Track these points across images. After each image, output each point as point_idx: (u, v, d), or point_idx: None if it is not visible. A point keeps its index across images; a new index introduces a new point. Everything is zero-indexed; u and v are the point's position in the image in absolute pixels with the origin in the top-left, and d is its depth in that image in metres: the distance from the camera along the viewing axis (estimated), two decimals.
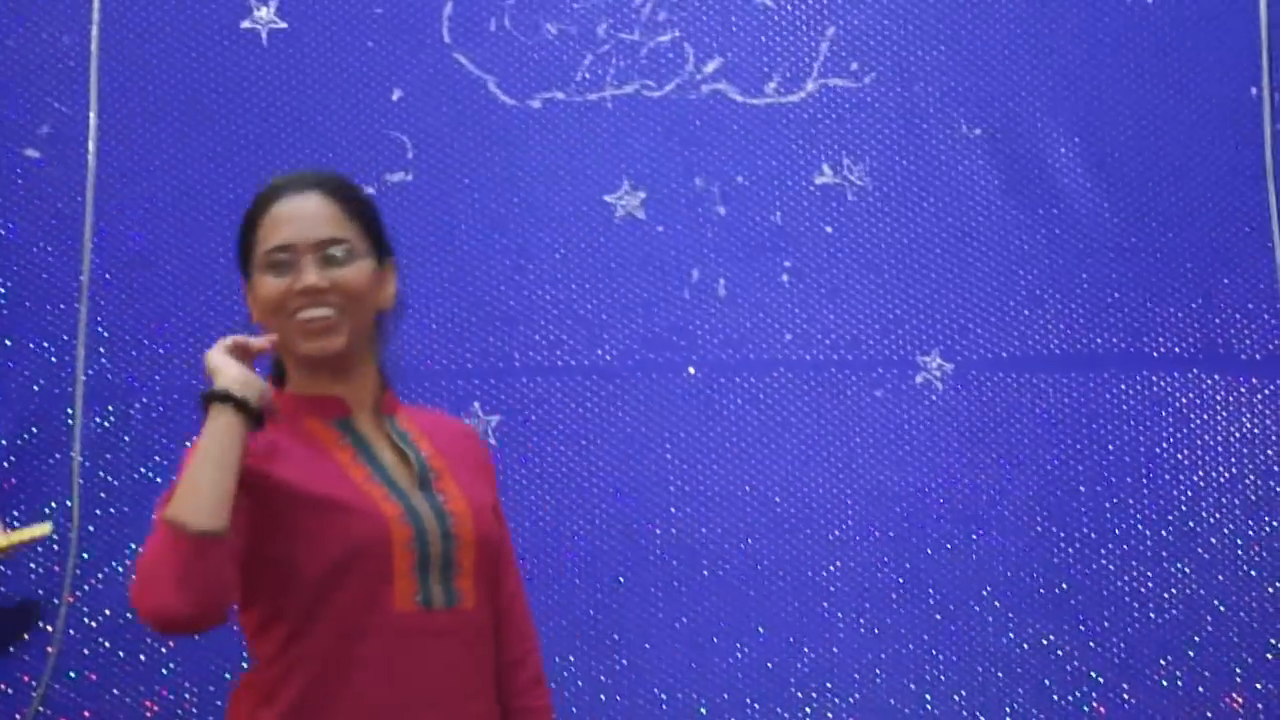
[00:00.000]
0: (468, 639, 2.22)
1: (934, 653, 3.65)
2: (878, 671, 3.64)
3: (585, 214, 3.83)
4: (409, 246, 3.64)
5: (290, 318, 2.17)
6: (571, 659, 3.68)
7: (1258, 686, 3.61)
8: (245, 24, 3.81)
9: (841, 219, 3.77)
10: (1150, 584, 3.66)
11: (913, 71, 3.87)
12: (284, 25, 3.77)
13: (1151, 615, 3.66)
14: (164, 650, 3.61)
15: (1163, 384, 3.81)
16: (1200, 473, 3.76)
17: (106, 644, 3.61)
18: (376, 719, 2.16)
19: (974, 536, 3.70)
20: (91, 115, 3.71)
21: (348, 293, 2.16)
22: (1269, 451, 3.71)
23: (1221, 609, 3.62)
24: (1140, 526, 3.68)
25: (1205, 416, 3.79)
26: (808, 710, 3.63)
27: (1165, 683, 3.63)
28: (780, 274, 3.79)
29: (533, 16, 3.83)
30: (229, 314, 3.77)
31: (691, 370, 3.73)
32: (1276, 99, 3.72)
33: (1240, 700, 3.58)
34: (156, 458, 3.70)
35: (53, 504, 3.76)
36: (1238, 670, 3.61)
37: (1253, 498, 3.66)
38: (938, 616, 3.66)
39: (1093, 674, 3.64)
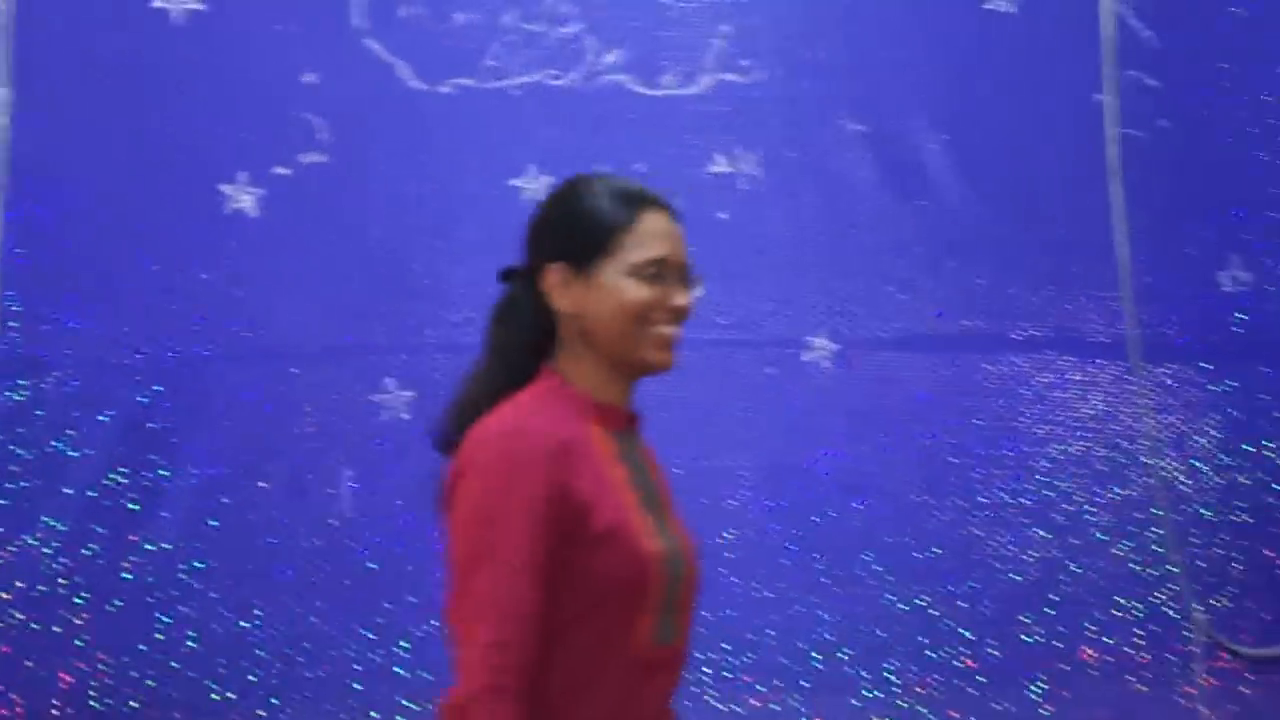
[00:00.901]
0: (676, 669, 2.25)
1: (820, 614, 3.85)
2: (769, 632, 3.83)
3: (494, 196, 3.92)
4: (323, 226, 3.81)
5: (648, 327, 2.17)
6: None
7: (1106, 640, 3.91)
8: (159, 3, 3.83)
9: (734, 206, 3.95)
10: (1012, 548, 3.91)
11: (800, 70, 4.07)
12: (200, 7, 3.80)
13: (1013, 576, 3.92)
14: (78, 622, 3.59)
15: (1022, 365, 4.07)
16: (1055, 446, 4.04)
17: (19, 616, 3.58)
18: None
19: (857, 505, 3.91)
20: (4, 90, 3.68)
21: (688, 316, 2.21)
22: (1114, 426, 4.01)
23: (1075, 569, 3.91)
24: (1003, 495, 3.95)
25: (1059, 395, 4.07)
26: (705, 671, 3.81)
27: (1026, 637, 3.89)
28: None
29: (442, 5, 3.92)
30: (140, 289, 3.82)
31: None
32: (1118, 104, 4.00)
33: (1092, 652, 3.88)
34: (69, 431, 3.69)
35: None
36: (1089, 626, 3.90)
37: (1101, 469, 3.97)
38: (824, 580, 3.85)
39: (962, 631, 3.86)
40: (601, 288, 2.14)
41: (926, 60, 4.06)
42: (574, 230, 2.20)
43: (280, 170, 3.86)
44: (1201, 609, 3.91)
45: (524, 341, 2.27)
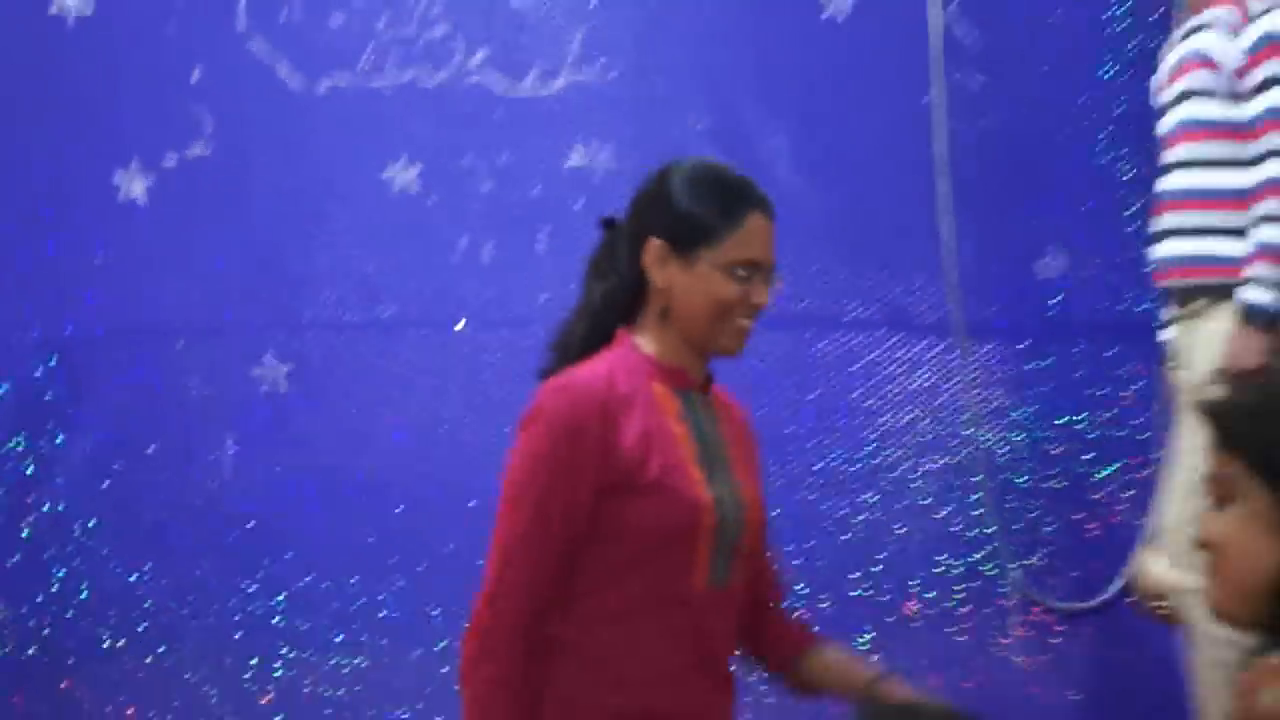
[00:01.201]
0: (730, 612, 2.38)
1: None
2: None
3: (367, 187, 4.22)
4: (207, 215, 4.14)
5: (730, 320, 2.34)
6: (352, 581, 4.10)
7: (928, 595, 4.20)
8: (53, 10, 4.11)
9: (590, 196, 4.20)
10: (844, 510, 4.21)
11: (650, 71, 4.30)
12: (89, 13, 4.08)
13: (845, 537, 4.20)
14: None
15: (854, 342, 4.32)
16: (884, 418, 4.31)
17: None
18: (659, 680, 2.31)
19: None
20: None
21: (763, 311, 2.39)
22: (938, 400, 4.29)
23: (901, 531, 4.21)
24: (836, 463, 4.23)
25: (888, 371, 4.34)
26: None
27: (855, 592, 4.18)
28: (536, 243, 4.23)
29: (319, 9, 4.20)
30: (39, 271, 4.10)
31: (459, 326, 4.15)
32: (945, 104, 4.22)
33: (916, 606, 4.20)
34: None
35: None
36: (913, 582, 4.20)
37: (925, 439, 4.25)
38: None
39: (798, 586, 4.12)
40: (696, 275, 2.29)
41: (768, 63, 4.28)
42: (685, 215, 2.34)
43: (169, 162, 4.16)
44: (1015, 567, 4.20)
45: (615, 296, 2.43)
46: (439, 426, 4.21)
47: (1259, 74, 3.46)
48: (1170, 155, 3.61)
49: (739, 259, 2.31)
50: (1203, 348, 3.50)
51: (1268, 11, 3.50)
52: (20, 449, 4.09)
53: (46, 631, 4.02)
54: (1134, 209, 4.19)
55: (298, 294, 4.22)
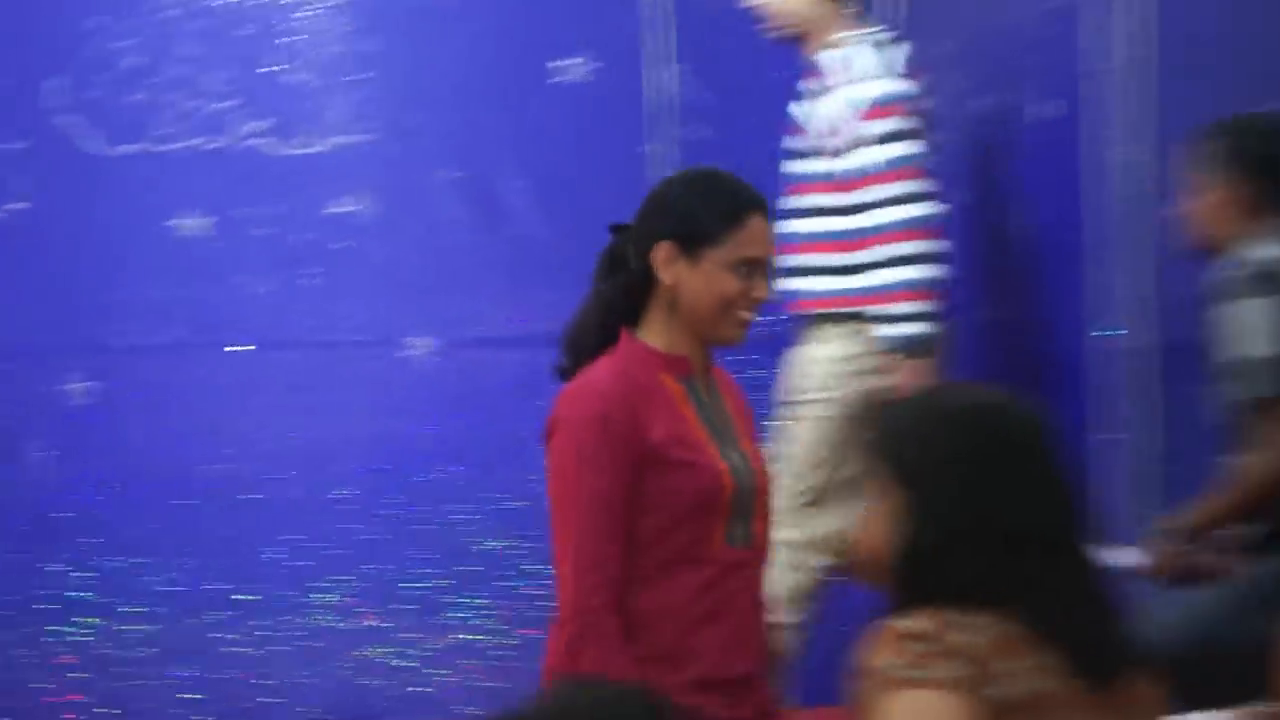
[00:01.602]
0: (757, 567, 2.57)
1: (411, 551, 4.63)
2: (372, 564, 4.63)
3: (159, 235, 4.70)
4: (28, 259, 4.72)
5: (732, 312, 2.48)
6: (141, 562, 4.63)
7: None
8: None
9: (354, 237, 4.71)
10: None
11: (405, 132, 4.75)
12: None
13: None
14: None
15: None
16: None
17: None
18: (699, 624, 2.47)
19: (450, 469, 4.68)
20: None
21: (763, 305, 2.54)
22: None
23: None
24: None
25: None
26: (327, 597, 4.65)
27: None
28: (309, 277, 4.72)
29: (119, 86, 4.68)
30: None
31: (240, 349, 4.69)
32: (658, 153, 4.62)
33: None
34: None
35: None
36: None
37: None
38: (415, 526, 4.64)
39: (536, 566, 4.53)
40: (703, 272, 2.43)
41: (509, 120, 4.72)
42: (690, 218, 2.48)
43: None
44: None
45: (624, 296, 2.56)
46: (222, 433, 4.70)
47: (867, 131, 3.84)
48: (789, 203, 3.97)
49: (741, 257, 2.45)
50: (810, 364, 3.94)
51: (864, 81, 3.89)
52: None
53: None
54: None
55: (104, 322, 4.71)
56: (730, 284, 2.44)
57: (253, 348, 4.78)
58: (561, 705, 1.61)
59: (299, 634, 4.75)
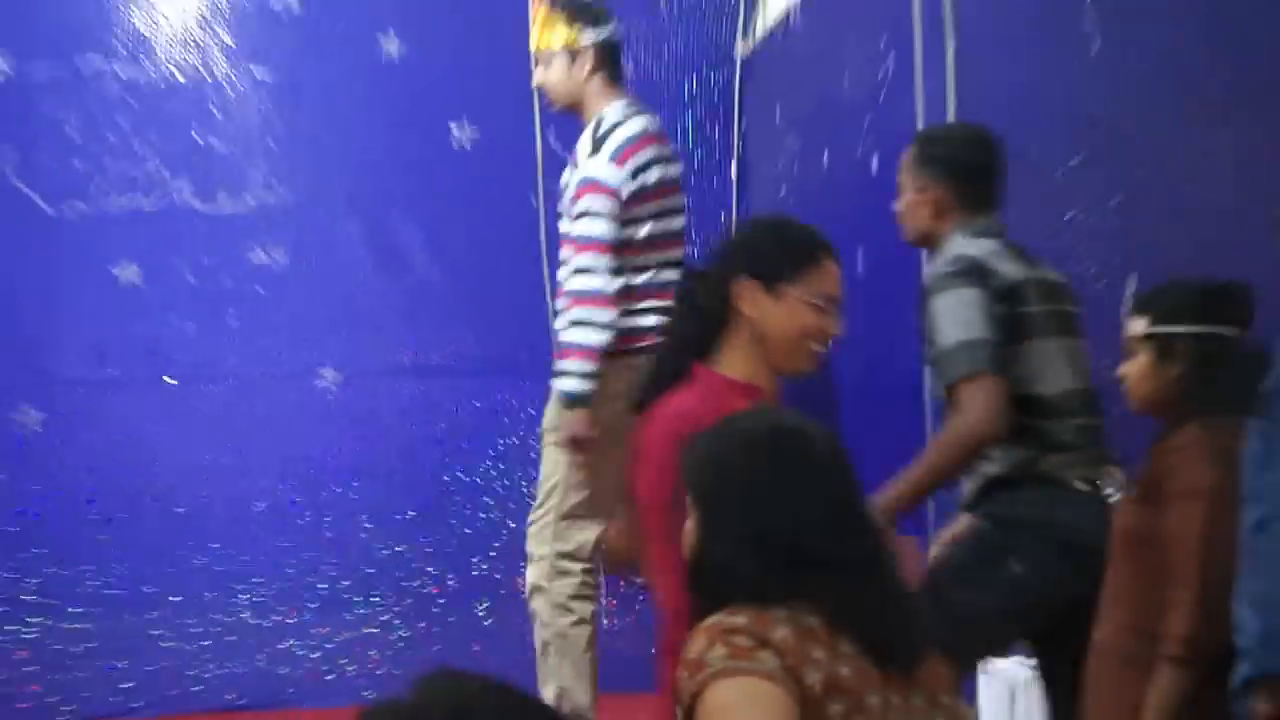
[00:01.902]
0: None
1: (330, 559, 5.10)
2: (289, 569, 5.11)
3: (97, 283, 5.13)
4: None
5: (809, 344, 2.60)
6: (117, 574, 5.03)
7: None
8: None
9: (270, 285, 5.16)
10: (467, 510, 5.18)
11: (316, 190, 5.20)
12: None
13: (467, 530, 5.15)
14: None
15: (472, 385, 5.24)
16: (498, 439, 5.21)
17: None
18: None
19: (355, 483, 5.14)
20: None
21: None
22: (538, 427, 4.60)
23: (511, 525, 5.05)
24: (459, 474, 5.18)
25: (501, 402, 5.22)
26: (243, 598, 5.09)
27: (476, 572, 5.16)
28: (227, 316, 5.16)
29: (64, 154, 5.13)
30: None
31: (170, 381, 5.15)
32: (545, 206, 5.00)
33: (521, 582, 4.77)
34: None
35: None
36: (521, 564, 4.58)
37: (531, 456, 4.82)
38: (329, 534, 5.12)
39: (429, 568, 5.13)
40: (784, 307, 2.54)
41: (409, 178, 5.19)
42: (772, 258, 2.59)
43: None
44: None
45: (695, 331, 2.64)
46: (157, 454, 5.14)
47: (576, 207, 4.08)
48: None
49: (819, 293, 2.57)
50: (550, 403, 4.22)
51: (587, 158, 4.08)
52: None
53: None
54: None
55: (47, 357, 5.17)
56: (809, 317, 2.56)
57: (177, 382, 5.21)
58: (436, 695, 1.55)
59: (222, 630, 5.15)
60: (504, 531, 5.24)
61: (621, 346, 4.06)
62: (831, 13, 4.76)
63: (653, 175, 4.16)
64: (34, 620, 5.07)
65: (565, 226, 4.21)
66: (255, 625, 5.17)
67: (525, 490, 5.22)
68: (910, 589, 2.22)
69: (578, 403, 4.06)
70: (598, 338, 4.03)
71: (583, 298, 4.07)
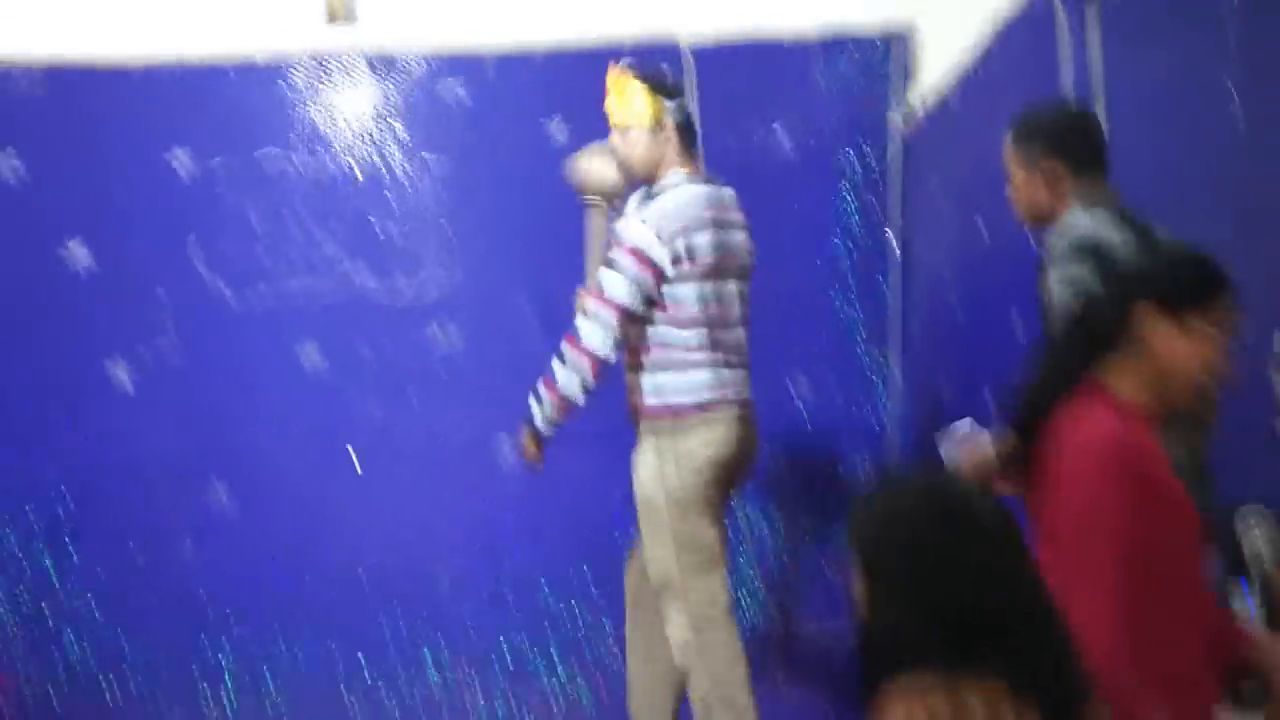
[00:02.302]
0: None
1: (514, 624, 5.37)
2: (473, 633, 5.34)
3: (286, 361, 5.41)
4: (175, 388, 5.40)
5: (1202, 376, 2.52)
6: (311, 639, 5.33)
7: None
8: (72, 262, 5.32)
9: (448, 362, 5.41)
10: None
11: (487, 270, 5.40)
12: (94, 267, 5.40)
13: None
14: None
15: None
16: None
17: None
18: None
19: (534, 547, 5.38)
20: None
21: None
22: None
23: None
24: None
25: None
26: (435, 664, 5.36)
27: None
28: (409, 396, 5.42)
29: (241, 243, 5.43)
30: None
31: (354, 454, 5.45)
32: None
33: None
34: None
35: None
36: None
37: None
38: (510, 598, 5.37)
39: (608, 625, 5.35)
40: (1186, 335, 2.48)
41: (576, 255, 5.01)
42: (1180, 281, 2.53)
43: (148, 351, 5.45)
44: None
45: (1088, 350, 2.59)
46: (338, 526, 5.41)
47: (608, 256, 4.18)
48: None
49: (1219, 323, 2.50)
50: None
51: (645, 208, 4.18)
52: None
53: None
54: None
55: (241, 438, 5.42)
56: (1208, 349, 2.50)
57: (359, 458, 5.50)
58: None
59: (413, 700, 5.42)
60: None
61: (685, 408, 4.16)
62: (988, 89, 4.93)
63: (699, 239, 4.15)
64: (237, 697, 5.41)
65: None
66: (444, 692, 5.47)
67: None
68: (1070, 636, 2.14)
69: (528, 427, 4.23)
70: (576, 391, 4.15)
71: (578, 345, 4.13)
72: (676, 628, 4.21)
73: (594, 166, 4.52)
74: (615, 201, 4.50)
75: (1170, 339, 2.50)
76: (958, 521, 2.11)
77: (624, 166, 4.39)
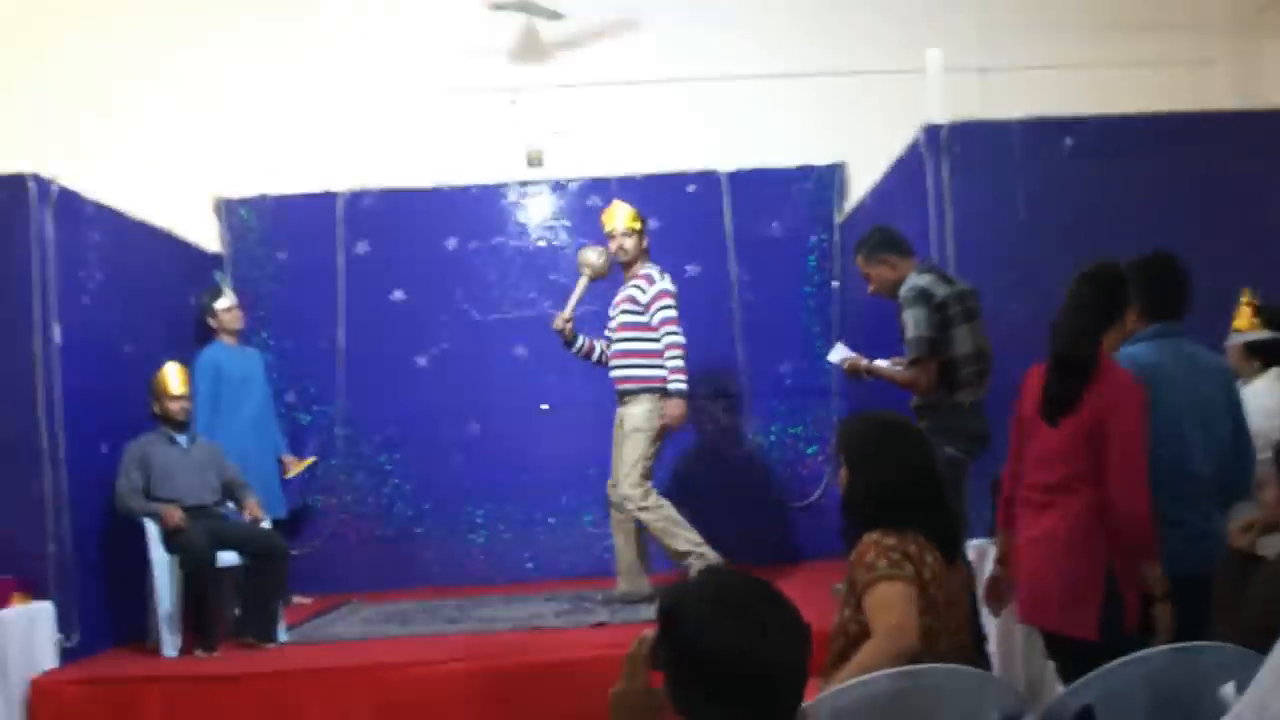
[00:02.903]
0: None
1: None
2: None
3: (506, 354, 8.93)
4: (439, 390, 9.08)
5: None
6: None
7: None
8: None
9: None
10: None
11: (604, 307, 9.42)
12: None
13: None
14: None
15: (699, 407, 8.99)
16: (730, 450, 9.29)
17: None
18: None
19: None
20: None
21: None
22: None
23: None
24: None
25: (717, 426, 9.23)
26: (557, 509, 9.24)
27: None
28: (567, 369, 8.84)
29: (482, 288, 8.90)
30: None
31: (544, 406, 9.43)
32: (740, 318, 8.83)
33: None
34: None
35: None
36: None
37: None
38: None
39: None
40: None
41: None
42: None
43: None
44: None
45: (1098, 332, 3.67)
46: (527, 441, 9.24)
47: (656, 306, 6.99)
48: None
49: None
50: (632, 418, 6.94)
51: (660, 278, 6.96)
52: None
53: None
54: None
55: (482, 392, 8.96)
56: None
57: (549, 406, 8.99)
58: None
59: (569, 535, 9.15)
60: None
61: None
62: (887, 199, 7.74)
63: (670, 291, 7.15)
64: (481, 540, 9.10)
65: (630, 318, 7.23)
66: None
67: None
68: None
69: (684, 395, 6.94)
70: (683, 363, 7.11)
71: (675, 345, 7.09)
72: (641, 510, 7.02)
73: (588, 257, 7.38)
74: (596, 277, 7.38)
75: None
76: (897, 436, 3.41)
77: (621, 255, 7.19)
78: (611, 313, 7.37)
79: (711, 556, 6.90)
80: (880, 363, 5.96)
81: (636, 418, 7.08)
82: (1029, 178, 6.48)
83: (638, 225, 7.26)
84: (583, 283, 7.36)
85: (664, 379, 7.01)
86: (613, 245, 7.24)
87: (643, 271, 7.23)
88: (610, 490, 7.25)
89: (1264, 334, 5.08)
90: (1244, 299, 5.28)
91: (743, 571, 2.42)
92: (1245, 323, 5.15)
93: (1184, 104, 7.57)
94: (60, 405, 6.64)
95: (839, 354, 6.03)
